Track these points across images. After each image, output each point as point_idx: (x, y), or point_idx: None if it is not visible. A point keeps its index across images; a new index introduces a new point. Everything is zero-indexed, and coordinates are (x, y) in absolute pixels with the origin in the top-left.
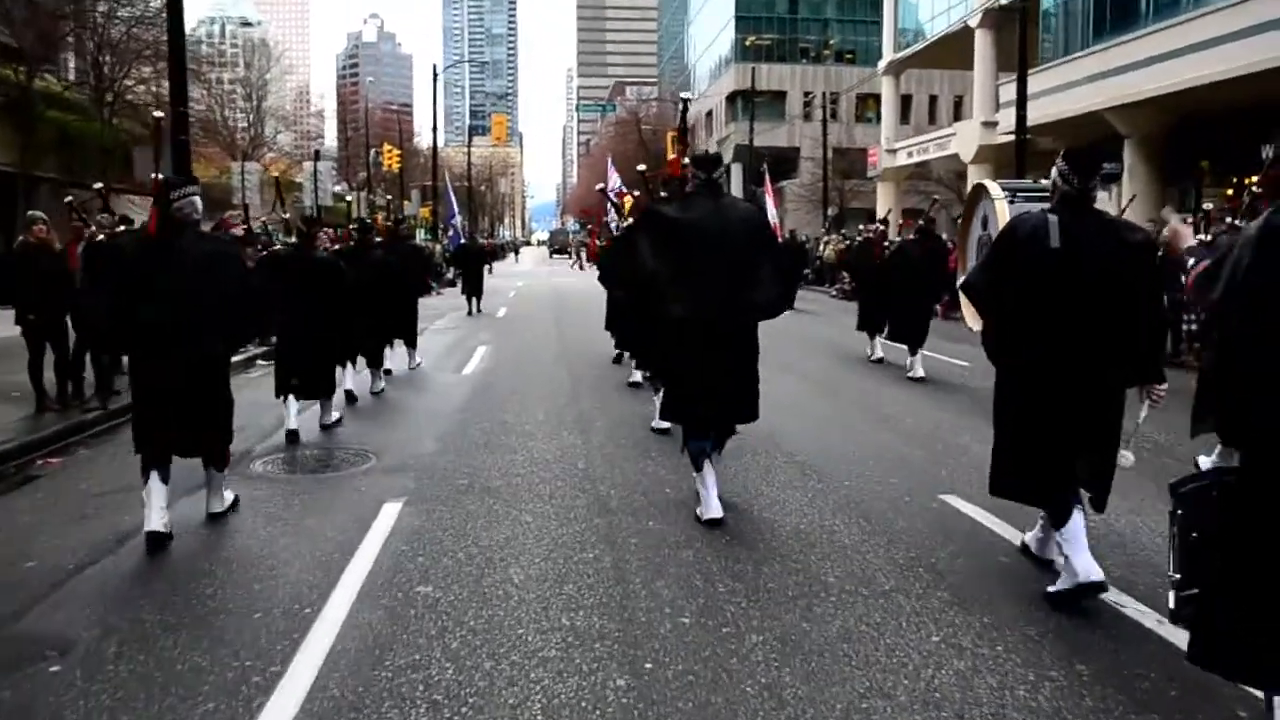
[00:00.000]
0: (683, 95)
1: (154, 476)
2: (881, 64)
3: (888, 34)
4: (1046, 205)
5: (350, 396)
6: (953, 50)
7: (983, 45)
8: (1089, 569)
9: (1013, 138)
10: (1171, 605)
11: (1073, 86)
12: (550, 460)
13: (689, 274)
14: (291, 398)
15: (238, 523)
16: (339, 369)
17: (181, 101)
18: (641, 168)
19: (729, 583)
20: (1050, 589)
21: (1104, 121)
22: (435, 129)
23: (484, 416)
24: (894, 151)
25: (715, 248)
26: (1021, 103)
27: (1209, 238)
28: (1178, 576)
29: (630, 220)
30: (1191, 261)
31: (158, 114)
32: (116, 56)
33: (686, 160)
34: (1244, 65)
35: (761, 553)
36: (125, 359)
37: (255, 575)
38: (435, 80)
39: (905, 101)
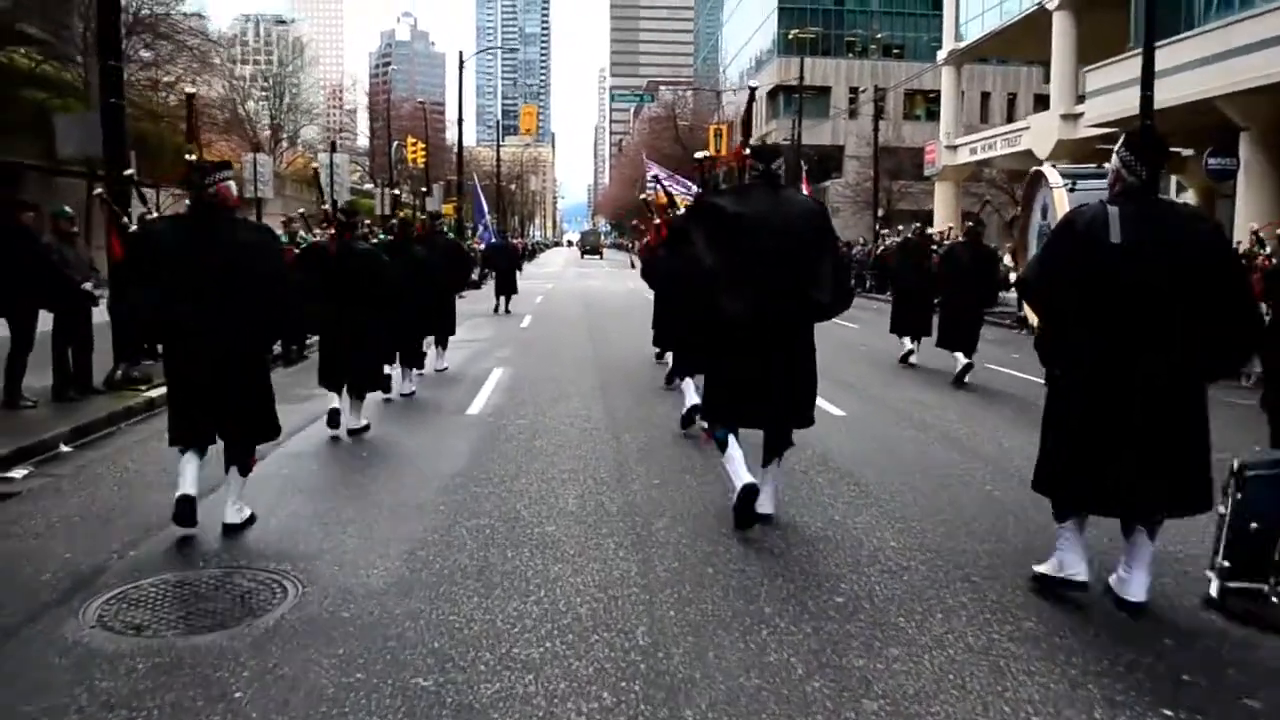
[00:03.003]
0: (750, 85)
1: (190, 453)
2: (941, 54)
3: (948, 21)
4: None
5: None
6: (1024, 37)
7: (1062, 29)
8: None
9: (1098, 131)
10: (1213, 592)
11: (1177, 72)
12: (588, 623)
13: (746, 269)
14: (340, 395)
15: None
16: (387, 368)
17: (113, 55)
18: (700, 155)
19: None
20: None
21: (1216, 110)
22: (460, 120)
23: (484, 501)
24: (954, 148)
25: (776, 242)
26: (1148, 81)
27: None
28: (1226, 564)
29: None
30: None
31: (190, 89)
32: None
33: (748, 150)
34: None
35: None
36: None
37: None
38: (461, 68)
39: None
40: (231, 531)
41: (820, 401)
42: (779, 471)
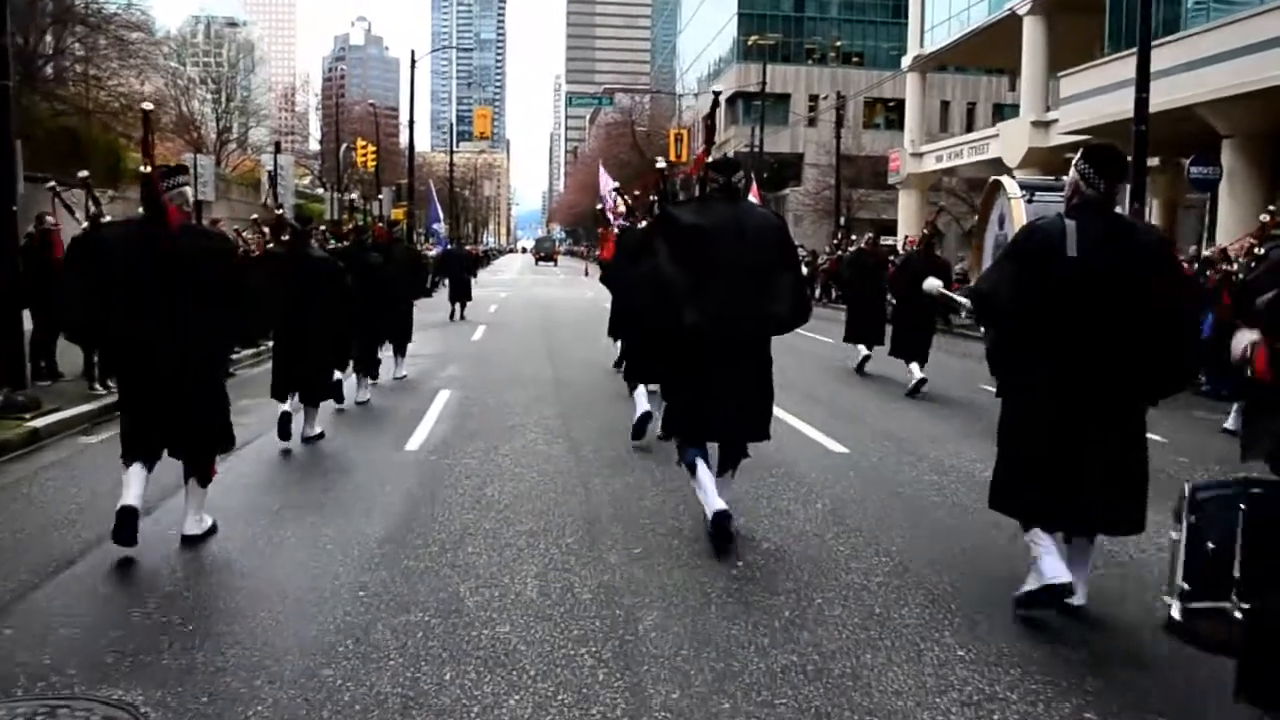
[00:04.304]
0: (714, 90)
1: (136, 465)
2: (906, 60)
3: (913, 28)
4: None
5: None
6: (992, 44)
7: (1033, 35)
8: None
9: (1072, 138)
10: (1176, 615)
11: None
12: None
13: (707, 281)
14: (294, 400)
15: None
16: (338, 374)
17: None
18: (661, 165)
19: None
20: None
21: (1196, 118)
22: (411, 121)
23: (418, 582)
24: (919, 156)
25: (735, 254)
26: (1143, 83)
27: (1261, 250)
28: (1185, 587)
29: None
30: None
31: (146, 106)
32: (18, 20)
33: (709, 161)
34: None
35: None
36: None
37: None
38: (413, 66)
39: None
40: (190, 544)
41: (815, 434)
42: (732, 480)
